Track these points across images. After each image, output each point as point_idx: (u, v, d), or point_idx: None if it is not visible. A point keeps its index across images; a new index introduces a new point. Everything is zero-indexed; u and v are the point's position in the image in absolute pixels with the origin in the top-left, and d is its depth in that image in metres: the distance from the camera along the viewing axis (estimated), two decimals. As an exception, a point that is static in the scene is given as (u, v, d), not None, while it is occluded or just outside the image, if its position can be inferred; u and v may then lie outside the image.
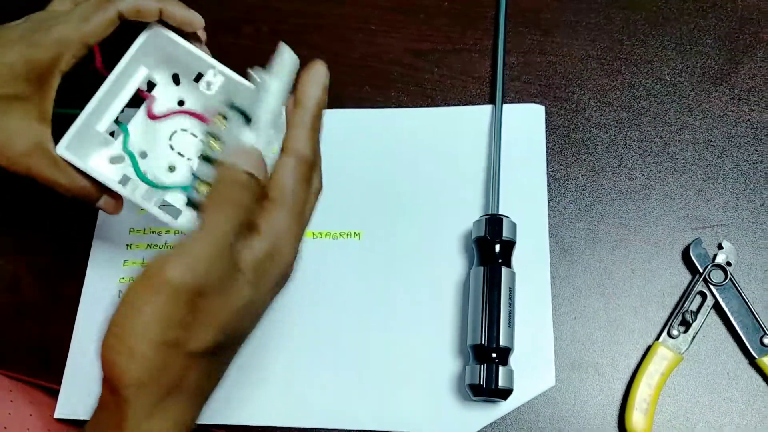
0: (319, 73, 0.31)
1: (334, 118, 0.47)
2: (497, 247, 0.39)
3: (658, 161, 0.44)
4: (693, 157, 0.44)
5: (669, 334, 0.39)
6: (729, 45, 0.46)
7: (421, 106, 0.47)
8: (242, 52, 0.50)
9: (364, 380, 0.40)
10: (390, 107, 0.48)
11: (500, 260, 0.39)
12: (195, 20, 0.37)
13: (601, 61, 0.47)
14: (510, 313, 0.38)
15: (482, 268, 0.39)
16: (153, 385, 0.25)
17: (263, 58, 0.52)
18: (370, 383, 0.40)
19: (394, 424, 0.39)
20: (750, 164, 0.43)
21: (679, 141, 0.44)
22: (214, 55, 0.38)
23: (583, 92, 0.46)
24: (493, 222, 0.40)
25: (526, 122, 0.45)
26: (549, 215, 0.43)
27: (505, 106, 0.46)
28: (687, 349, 0.39)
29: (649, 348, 0.39)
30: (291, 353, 0.41)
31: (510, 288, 0.38)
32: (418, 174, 0.45)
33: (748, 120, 0.44)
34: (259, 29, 0.52)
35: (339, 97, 0.48)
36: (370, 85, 0.49)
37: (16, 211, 0.48)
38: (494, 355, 0.37)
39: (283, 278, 0.29)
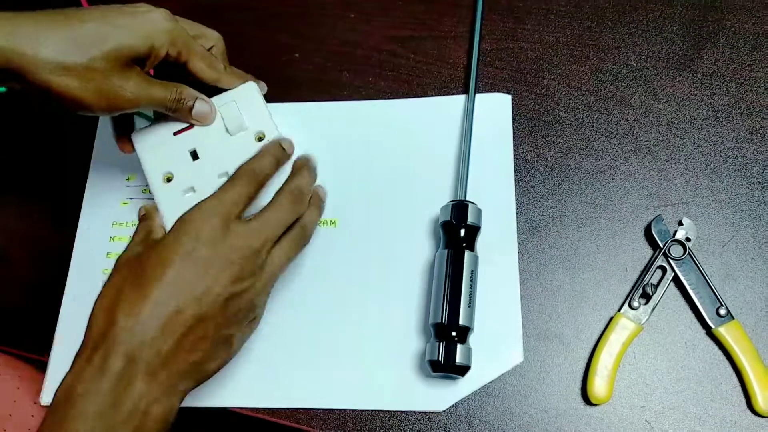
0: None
1: (309, 111, 0.49)
2: (462, 232, 0.41)
3: (623, 143, 0.46)
4: (656, 139, 0.46)
5: (630, 306, 0.41)
6: (693, 32, 0.48)
7: (398, 90, 0.49)
8: (227, 39, 0.51)
9: (337, 361, 0.42)
10: (368, 90, 0.49)
11: (464, 244, 0.40)
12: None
13: (571, 48, 0.49)
14: (471, 294, 0.39)
15: (447, 251, 0.40)
16: None
17: (250, 45, 0.53)
18: (343, 364, 0.41)
19: (367, 402, 0.41)
20: (711, 145, 0.45)
21: (644, 123, 0.46)
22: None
23: (552, 77, 0.48)
24: (459, 207, 0.41)
25: (493, 111, 0.47)
26: (518, 194, 0.45)
27: (477, 95, 0.47)
28: (647, 320, 0.41)
29: (611, 319, 0.41)
30: (264, 336, 0.42)
31: (472, 270, 0.40)
32: (392, 163, 0.46)
33: (710, 103, 0.46)
34: (244, 17, 0.53)
35: (319, 81, 0.50)
36: (348, 70, 0.50)
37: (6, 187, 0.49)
38: (454, 333, 0.38)
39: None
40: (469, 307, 0.39)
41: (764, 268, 0.42)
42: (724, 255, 0.42)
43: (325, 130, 0.48)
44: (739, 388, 0.39)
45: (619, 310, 0.41)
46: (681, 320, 0.41)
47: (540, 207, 0.45)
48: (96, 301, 0.34)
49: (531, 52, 0.49)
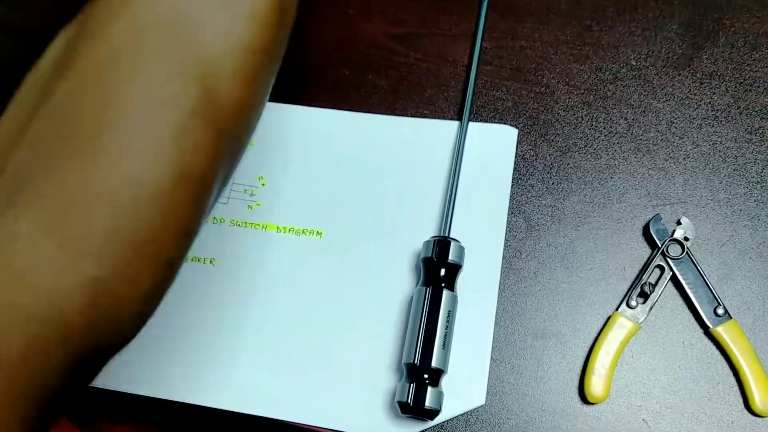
0: None
1: (307, 117, 0.48)
2: (442, 271, 0.40)
3: (622, 142, 0.46)
4: (656, 138, 0.46)
5: (628, 305, 0.41)
6: (692, 31, 0.48)
7: (397, 88, 0.49)
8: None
9: (306, 375, 0.41)
10: (368, 89, 0.49)
11: (443, 283, 0.39)
12: None
13: (570, 46, 0.49)
14: (446, 335, 0.38)
15: (425, 288, 0.39)
16: None
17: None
18: (311, 379, 0.41)
19: (332, 421, 0.40)
20: (710, 145, 0.45)
21: (643, 123, 0.46)
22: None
23: (552, 76, 0.48)
24: (441, 244, 0.40)
25: (496, 143, 0.46)
26: (517, 193, 0.45)
27: (477, 125, 0.46)
28: (645, 319, 0.41)
29: (609, 318, 0.41)
30: (238, 337, 0.42)
31: (449, 311, 0.39)
32: (385, 185, 0.45)
33: (709, 103, 0.46)
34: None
35: (317, 78, 0.50)
36: (348, 67, 0.50)
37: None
38: (426, 376, 0.37)
39: None
40: (443, 348, 0.38)
41: (762, 268, 0.42)
42: (723, 254, 0.42)
43: (322, 138, 0.47)
44: (736, 388, 0.39)
45: (617, 309, 0.41)
46: (679, 319, 0.41)
47: (538, 205, 0.45)
48: None
49: (530, 50, 0.49)
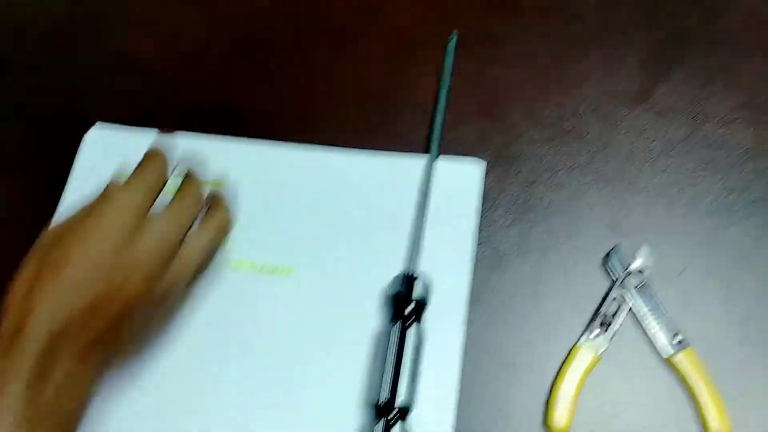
0: None
1: (276, 154, 0.49)
2: (408, 307, 0.41)
3: (583, 174, 0.47)
4: (615, 171, 0.47)
5: (589, 336, 0.42)
6: (649, 66, 0.50)
7: (367, 124, 0.50)
8: (207, 75, 0.53)
9: (275, 413, 0.41)
10: (342, 122, 0.51)
11: (410, 320, 0.40)
12: None
13: (534, 83, 0.51)
14: (413, 371, 0.39)
15: (392, 324, 0.40)
16: None
17: (225, 80, 0.54)
18: (281, 417, 0.41)
19: None
20: (666, 176, 0.47)
21: (603, 156, 0.48)
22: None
23: (517, 112, 0.50)
24: (408, 281, 0.41)
25: (463, 178, 0.47)
26: (484, 225, 0.46)
27: (445, 159, 0.48)
28: (605, 349, 0.42)
29: (571, 349, 0.42)
30: (207, 377, 0.42)
31: (417, 347, 0.40)
32: (355, 219, 0.46)
33: (665, 136, 0.48)
34: (212, 51, 0.55)
35: (287, 115, 0.51)
36: (318, 104, 0.52)
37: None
38: (393, 411, 0.38)
39: None
40: (410, 384, 0.39)
41: (718, 295, 0.43)
42: (680, 283, 0.44)
43: (290, 175, 0.48)
44: (694, 414, 0.41)
45: (579, 340, 0.42)
46: (638, 349, 0.43)
47: (505, 237, 0.46)
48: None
49: (496, 88, 0.51)
